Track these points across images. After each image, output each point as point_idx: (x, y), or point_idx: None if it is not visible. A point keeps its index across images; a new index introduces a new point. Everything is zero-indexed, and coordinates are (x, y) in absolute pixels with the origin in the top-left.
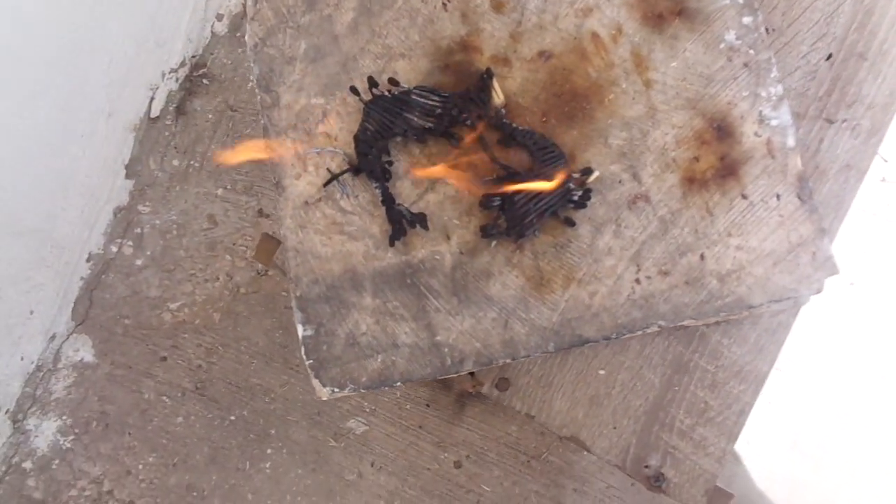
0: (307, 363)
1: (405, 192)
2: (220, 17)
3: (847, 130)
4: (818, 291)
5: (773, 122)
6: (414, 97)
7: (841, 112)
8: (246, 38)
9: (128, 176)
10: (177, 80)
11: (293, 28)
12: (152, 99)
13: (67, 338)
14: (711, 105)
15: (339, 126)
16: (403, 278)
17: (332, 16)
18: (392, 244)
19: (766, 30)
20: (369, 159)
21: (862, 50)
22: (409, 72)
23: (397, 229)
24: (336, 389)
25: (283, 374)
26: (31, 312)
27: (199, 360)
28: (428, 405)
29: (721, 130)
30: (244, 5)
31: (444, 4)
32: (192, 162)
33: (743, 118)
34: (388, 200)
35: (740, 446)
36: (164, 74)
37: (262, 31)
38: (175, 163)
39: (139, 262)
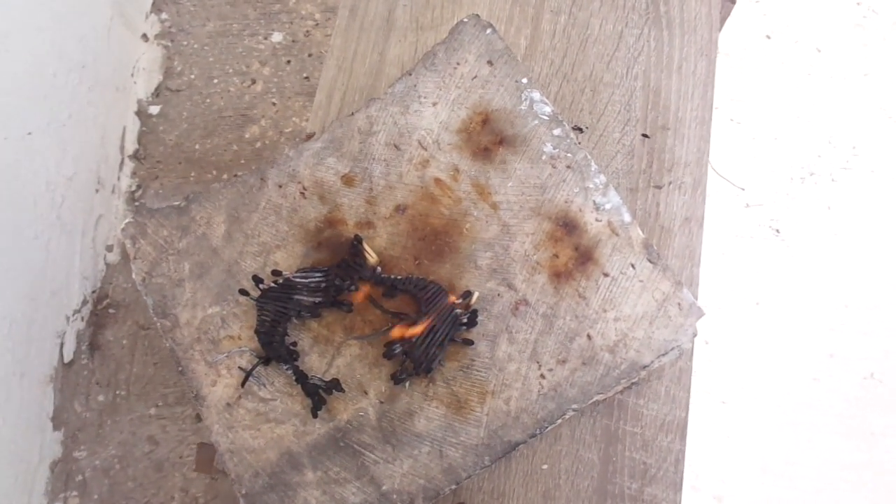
0: None
1: (314, 365)
2: (109, 248)
3: (675, 190)
4: (694, 335)
5: (607, 206)
6: (297, 280)
7: (665, 177)
8: (133, 275)
9: (56, 427)
10: (82, 318)
11: (174, 254)
12: (62, 345)
13: None
14: (552, 207)
15: (239, 326)
16: (336, 443)
17: (206, 233)
18: (315, 416)
19: (581, 129)
20: (274, 346)
21: (662, 122)
22: (288, 259)
23: (317, 401)
24: None
25: None
26: None
27: None
28: None
29: (568, 226)
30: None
31: (301, 193)
32: (118, 392)
33: (581, 210)
34: (301, 377)
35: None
36: (68, 318)
37: (146, 266)
38: (101, 398)
39: None
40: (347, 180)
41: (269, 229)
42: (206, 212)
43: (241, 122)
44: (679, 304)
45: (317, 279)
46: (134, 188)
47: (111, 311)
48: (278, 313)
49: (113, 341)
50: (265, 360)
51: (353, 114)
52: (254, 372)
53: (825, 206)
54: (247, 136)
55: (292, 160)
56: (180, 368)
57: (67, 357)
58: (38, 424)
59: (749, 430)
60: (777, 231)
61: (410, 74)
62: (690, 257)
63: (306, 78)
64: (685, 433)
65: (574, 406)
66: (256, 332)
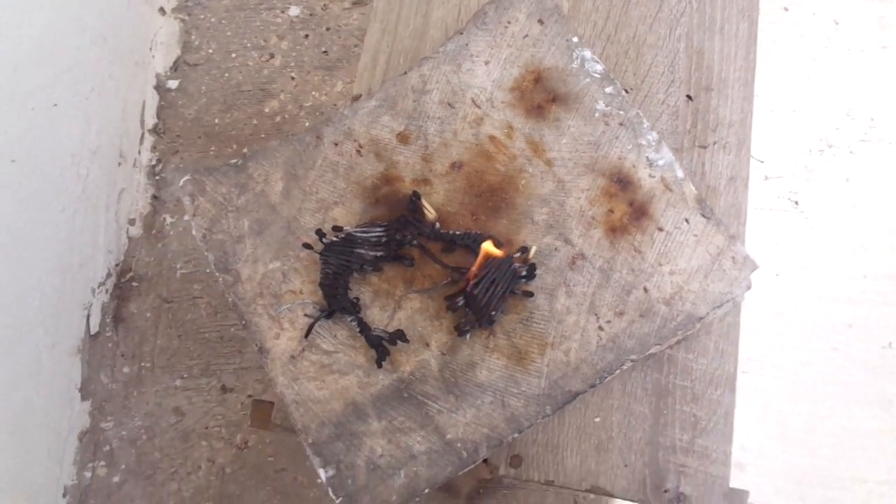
0: (337, 502)
1: (376, 318)
2: (132, 222)
3: (720, 150)
4: (748, 288)
5: (660, 162)
6: (358, 235)
7: (709, 137)
8: (193, 232)
9: (83, 398)
10: (107, 291)
11: (233, 211)
12: (88, 317)
13: None
14: (606, 164)
15: (300, 281)
16: (400, 394)
17: (265, 190)
18: (380, 366)
19: (626, 90)
20: (338, 298)
21: (706, 83)
22: (346, 215)
23: (381, 351)
24: None
25: None
26: None
27: None
28: None
29: (622, 182)
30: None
31: (357, 151)
32: (142, 364)
33: (635, 166)
34: (365, 329)
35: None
36: (93, 290)
37: (206, 223)
38: (126, 370)
39: (116, 479)
40: (402, 138)
41: (327, 186)
42: (263, 169)
43: (260, 96)
44: (733, 257)
45: (377, 234)
46: (154, 162)
47: (134, 284)
48: (341, 266)
49: (137, 314)
50: (328, 313)
51: (406, 72)
52: (316, 326)
53: (843, 178)
54: (266, 110)
55: (347, 118)
56: (243, 322)
57: (94, 329)
58: (66, 395)
59: (769, 399)
60: (796, 203)
61: (462, 34)
62: (737, 216)
63: (325, 52)
64: (734, 387)
65: (632, 356)
66: (320, 284)
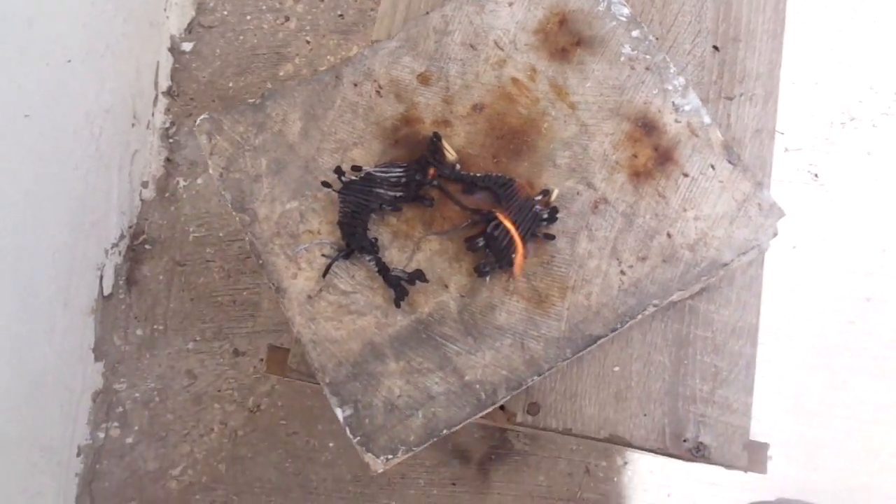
0: (354, 441)
1: (394, 259)
2: (145, 185)
3: (746, 101)
4: (774, 235)
5: (686, 108)
6: (378, 174)
7: (736, 88)
8: (210, 171)
9: (97, 358)
10: (120, 253)
11: (250, 150)
12: (101, 277)
13: None
14: (631, 108)
15: (318, 221)
16: (418, 335)
17: (282, 130)
18: (398, 305)
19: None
20: (357, 237)
21: (734, 34)
22: (365, 156)
23: (399, 291)
24: (389, 456)
25: (305, 502)
26: None
27: None
28: (454, 483)
29: (647, 126)
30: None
31: (377, 92)
32: (155, 326)
33: (660, 111)
34: (383, 268)
35: None
36: (107, 251)
37: (223, 162)
38: (139, 332)
39: (129, 440)
40: (423, 79)
41: (346, 127)
42: (281, 109)
43: (274, 59)
44: (759, 204)
45: (397, 174)
46: (168, 125)
47: (147, 246)
48: (360, 205)
49: (149, 276)
50: (346, 253)
51: (427, 13)
52: (334, 265)
53: (865, 151)
54: (281, 74)
55: (367, 59)
56: (260, 262)
57: (107, 290)
58: (80, 355)
59: (784, 371)
60: (815, 176)
61: None
62: (762, 167)
63: (340, 16)
64: (756, 339)
65: (655, 301)
66: (339, 223)
